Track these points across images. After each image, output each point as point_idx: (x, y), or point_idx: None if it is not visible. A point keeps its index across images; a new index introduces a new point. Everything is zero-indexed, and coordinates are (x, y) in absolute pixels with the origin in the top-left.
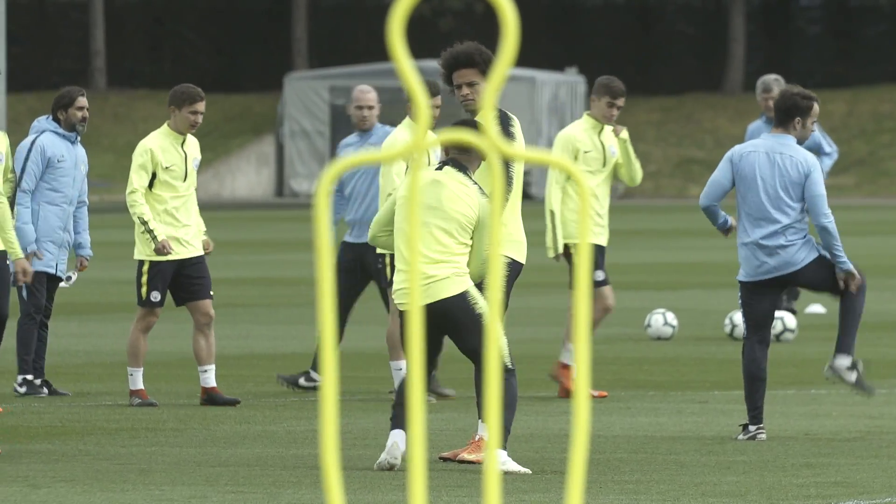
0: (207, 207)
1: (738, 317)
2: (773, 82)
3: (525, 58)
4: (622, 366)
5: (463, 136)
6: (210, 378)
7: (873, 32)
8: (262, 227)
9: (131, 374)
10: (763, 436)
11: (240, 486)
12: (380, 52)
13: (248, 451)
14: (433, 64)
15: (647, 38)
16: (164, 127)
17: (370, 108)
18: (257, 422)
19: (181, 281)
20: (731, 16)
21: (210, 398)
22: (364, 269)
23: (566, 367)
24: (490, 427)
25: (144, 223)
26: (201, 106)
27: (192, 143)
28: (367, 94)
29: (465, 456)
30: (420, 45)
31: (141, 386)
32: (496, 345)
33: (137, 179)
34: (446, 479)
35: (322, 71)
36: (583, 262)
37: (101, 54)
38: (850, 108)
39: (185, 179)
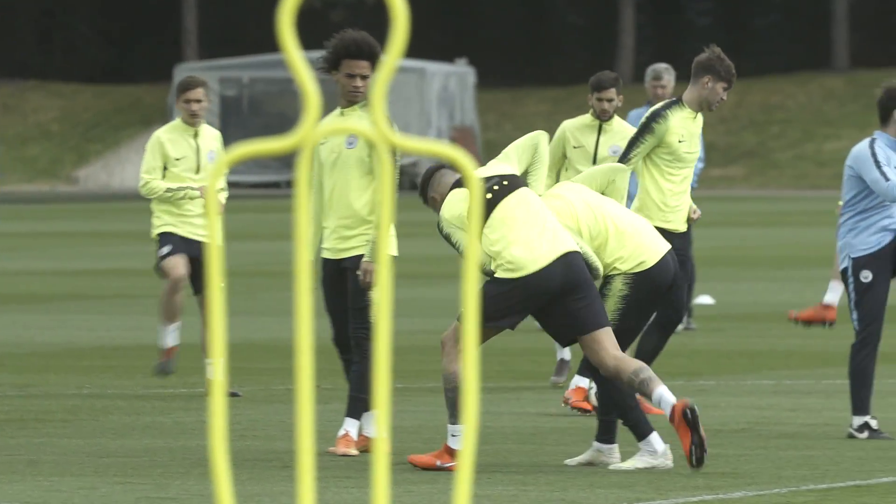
0: (97, 199)
1: None
2: (664, 71)
3: (415, 49)
4: (510, 356)
5: (350, 125)
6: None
7: (763, 24)
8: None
9: (161, 331)
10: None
11: (128, 477)
12: (270, 42)
13: (137, 443)
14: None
15: (538, 30)
16: (177, 120)
17: None
18: (146, 413)
19: (197, 269)
20: (621, 7)
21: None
22: None
23: None
24: (379, 417)
25: (170, 191)
26: (193, 94)
27: (208, 135)
28: None
29: (338, 450)
30: (311, 36)
31: (171, 343)
32: (386, 337)
33: (148, 172)
34: (334, 472)
35: (212, 62)
36: (471, 259)
37: None
38: (740, 99)
39: (197, 172)
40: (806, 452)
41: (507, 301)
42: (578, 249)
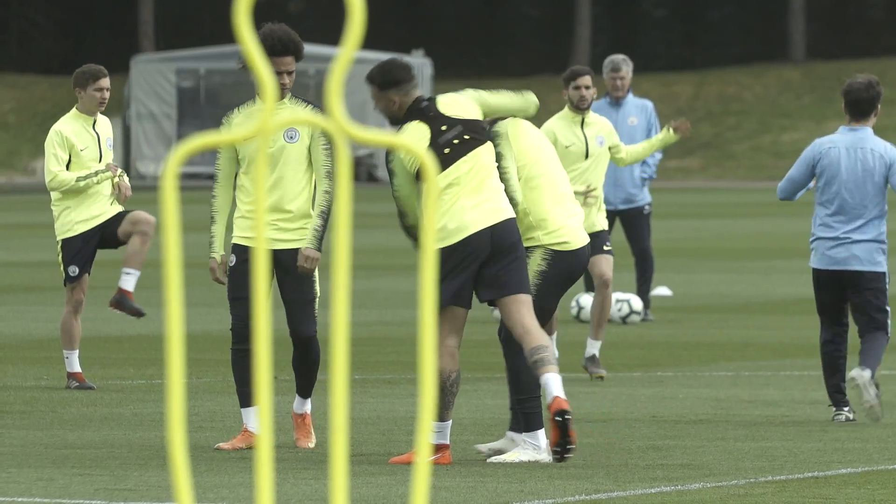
0: None
1: (584, 299)
2: (622, 62)
3: (371, 40)
4: (468, 348)
5: (308, 117)
6: (131, 282)
7: (718, 15)
8: None
9: (67, 358)
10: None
11: (87, 469)
12: (226, 34)
13: (95, 434)
14: None
15: (494, 21)
16: (73, 110)
17: None
18: (104, 404)
19: (106, 237)
20: None
21: (120, 300)
22: None
23: None
24: (336, 410)
25: (83, 179)
26: (105, 82)
27: (104, 123)
28: None
29: (224, 445)
30: None
31: (77, 369)
32: (344, 329)
33: (56, 165)
34: (293, 463)
35: (169, 53)
36: (428, 256)
37: None
38: (697, 90)
39: (99, 160)
40: (764, 444)
41: (440, 270)
42: (511, 217)
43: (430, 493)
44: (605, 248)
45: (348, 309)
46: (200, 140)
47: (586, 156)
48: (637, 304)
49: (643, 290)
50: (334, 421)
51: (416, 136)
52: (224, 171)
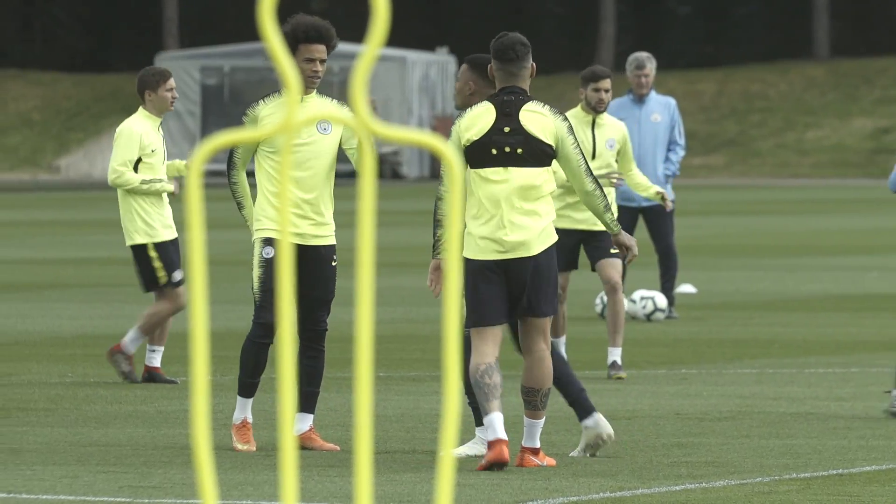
0: (79, 188)
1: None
2: (647, 59)
3: (396, 37)
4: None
5: (332, 112)
6: (157, 359)
7: (743, 12)
8: None
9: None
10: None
11: (111, 466)
12: (251, 31)
13: (120, 431)
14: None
15: (518, 18)
16: (141, 111)
17: None
18: (129, 402)
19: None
20: None
21: (151, 377)
22: None
23: None
24: (360, 405)
25: (146, 182)
26: (172, 82)
27: (164, 127)
28: None
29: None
30: None
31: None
32: (369, 326)
33: (122, 163)
34: (318, 461)
35: (193, 51)
36: (453, 256)
37: None
38: (721, 88)
39: (163, 162)
40: (788, 441)
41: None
42: (532, 254)
43: (454, 491)
44: (613, 251)
45: (373, 306)
46: (225, 137)
47: (593, 156)
48: (661, 301)
49: (667, 288)
50: (359, 418)
51: (478, 113)
52: (242, 160)
